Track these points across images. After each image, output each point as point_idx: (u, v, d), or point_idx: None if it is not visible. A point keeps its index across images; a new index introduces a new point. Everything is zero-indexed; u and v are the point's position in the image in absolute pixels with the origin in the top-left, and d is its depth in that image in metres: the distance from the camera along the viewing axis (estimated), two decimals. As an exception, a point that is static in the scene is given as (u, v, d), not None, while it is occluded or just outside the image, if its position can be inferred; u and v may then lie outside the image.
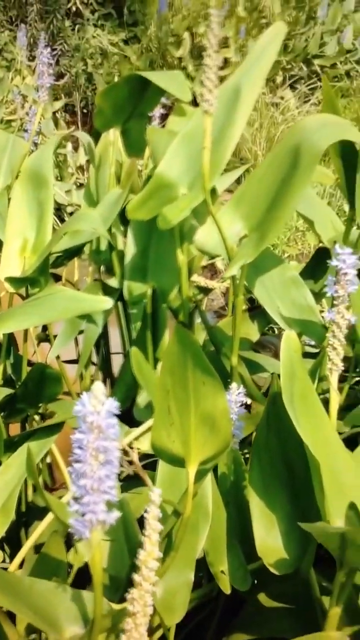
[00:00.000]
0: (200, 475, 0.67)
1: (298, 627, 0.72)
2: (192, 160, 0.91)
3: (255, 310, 1.14)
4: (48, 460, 1.23)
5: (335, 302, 0.69)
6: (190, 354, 0.59)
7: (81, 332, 1.17)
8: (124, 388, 1.13)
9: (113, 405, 0.44)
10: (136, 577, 0.45)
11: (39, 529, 0.74)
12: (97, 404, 0.44)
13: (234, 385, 0.73)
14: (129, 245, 1.03)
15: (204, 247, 0.82)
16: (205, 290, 1.47)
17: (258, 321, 1.15)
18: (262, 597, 0.76)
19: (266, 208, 0.79)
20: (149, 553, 0.44)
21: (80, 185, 2.82)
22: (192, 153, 0.91)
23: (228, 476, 0.80)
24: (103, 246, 1.24)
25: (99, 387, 0.44)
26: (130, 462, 0.71)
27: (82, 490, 0.44)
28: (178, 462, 0.63)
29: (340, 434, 0.79)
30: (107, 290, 1.21)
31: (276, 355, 1.27)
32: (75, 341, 1.26)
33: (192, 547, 0.67)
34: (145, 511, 0.45)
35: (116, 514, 0.45)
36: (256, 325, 1.15)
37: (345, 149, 0.93)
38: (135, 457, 0.69)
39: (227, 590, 0.71)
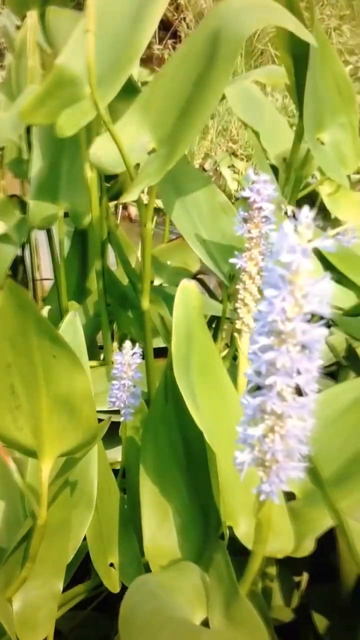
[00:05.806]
0: (67, 466, 0.53)
1: None
2: (103, 49, 0.72)
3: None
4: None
5: (247, 245, 0.53)
6: (32, 321, 0.44)
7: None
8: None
9: None
10: None
11: None
12: None
13: (127, 344, 0.58)
14: (34, 158, 0.85)
15: (100, 163, 0.65)
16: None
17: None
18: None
19: (178, 114, 0.62)
20: None
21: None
22: (103, 40, 0.72)
23: (134, 446, 0.67)
24: (26, 154, 1.05)
25: None
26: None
27: None
28: (30, 453, 0.49)
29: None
30: (26, 209, 1.05)
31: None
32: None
33: (61, 552, 0.54)
34: None
35: None
36: (197, 252, 0.98)
37: (296, 45, 0.74)
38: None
39: (114, 589, 0.59)
